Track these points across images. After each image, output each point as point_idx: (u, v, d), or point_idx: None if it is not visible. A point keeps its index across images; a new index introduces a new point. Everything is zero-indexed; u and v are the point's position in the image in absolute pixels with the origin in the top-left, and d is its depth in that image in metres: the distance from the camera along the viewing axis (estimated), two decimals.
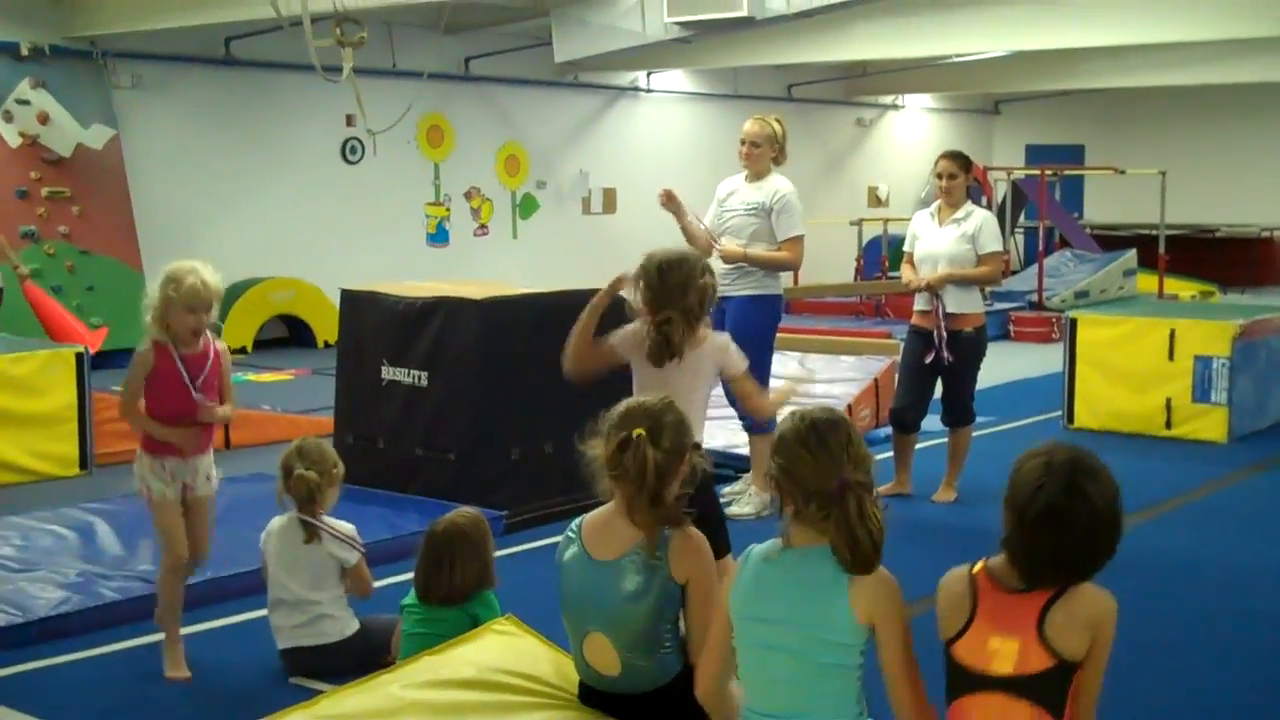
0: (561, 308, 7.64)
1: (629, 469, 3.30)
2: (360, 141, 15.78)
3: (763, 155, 7.44)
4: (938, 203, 7.69)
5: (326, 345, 14.12)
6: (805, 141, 21.49)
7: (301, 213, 15.58)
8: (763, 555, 3.12)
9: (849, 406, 9.14)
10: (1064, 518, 2.78)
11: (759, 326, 7.30)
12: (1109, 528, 2.83)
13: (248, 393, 11.56)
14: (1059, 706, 2.81)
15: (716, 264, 7.51)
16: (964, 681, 2.85)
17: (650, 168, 19.12)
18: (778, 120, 7.54)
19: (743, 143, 7.47)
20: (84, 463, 8.49)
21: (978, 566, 2.91)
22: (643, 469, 3.28)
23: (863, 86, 22.49)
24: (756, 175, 7.48)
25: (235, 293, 14.46)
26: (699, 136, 19.94)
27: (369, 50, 11.03)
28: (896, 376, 8.06)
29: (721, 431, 8.26)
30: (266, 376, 12.76)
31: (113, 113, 13.88)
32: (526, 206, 18.21)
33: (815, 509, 3.00)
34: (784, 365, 10.27)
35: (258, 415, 9.60)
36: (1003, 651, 2.79)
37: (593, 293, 7.96)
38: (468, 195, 17.48)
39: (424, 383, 7.32)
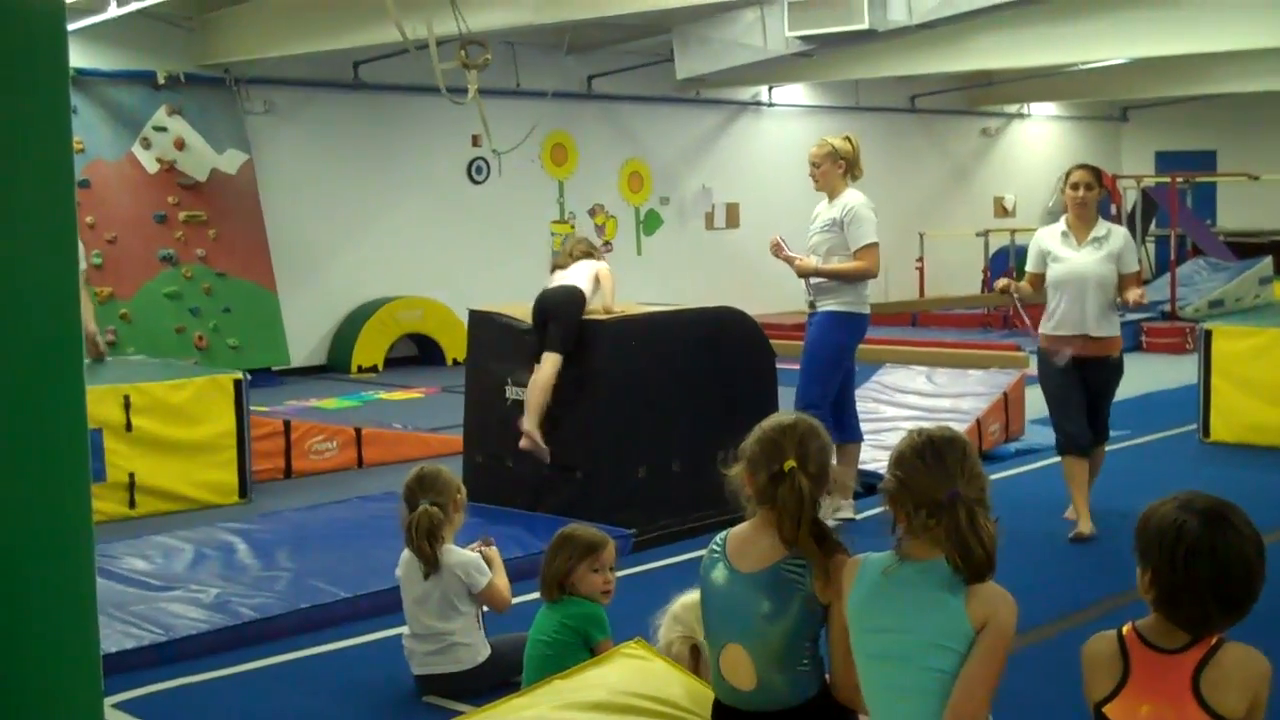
0: (687, 325, 7.72)
1: (784, 501, 3.32)
2: (486, 161, 15.97)
3: (827, 174, 7.55)
4: (1065, 217, 7.47)
5: (455, 363, 14.30)
6: (930, 152, 21.35)
7: (429, 233, 15.81)
8: (880, 568, 3.16)
9: (978, 421, 9.04)
10: (1216, 550, 2.72)
11: (831, 341, 7.51)
12: (1259, 552, 2.77)
13: (379, 411, 11.76)
14: None
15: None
16: None
17: (773, 182, 19.06)
18: (846, 138, 7.63)
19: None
20: (243, 490, 8.37)
21: (1126, 628, 2.85)
22: (799, 502, 3.31)
23: (987, 96, 22.22)
24: (831, 194, 7.59)
25: (366, 313, 14.78)
26: None
27: (493, 71, 11.17)
28: (1046, 403, 7.72)
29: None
30: (397, 395, 12.97)
31: (246, 137, 14.22)
32: (650, 223, 18.29)
33: (925, 517, 3.05)
34: (911, 379, 10.18)
35: (389, 434, 9.74)
36: (1158, 715, 2.72)
37: (718, 309, 8.00)
38: (592, 212, 17.60)
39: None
